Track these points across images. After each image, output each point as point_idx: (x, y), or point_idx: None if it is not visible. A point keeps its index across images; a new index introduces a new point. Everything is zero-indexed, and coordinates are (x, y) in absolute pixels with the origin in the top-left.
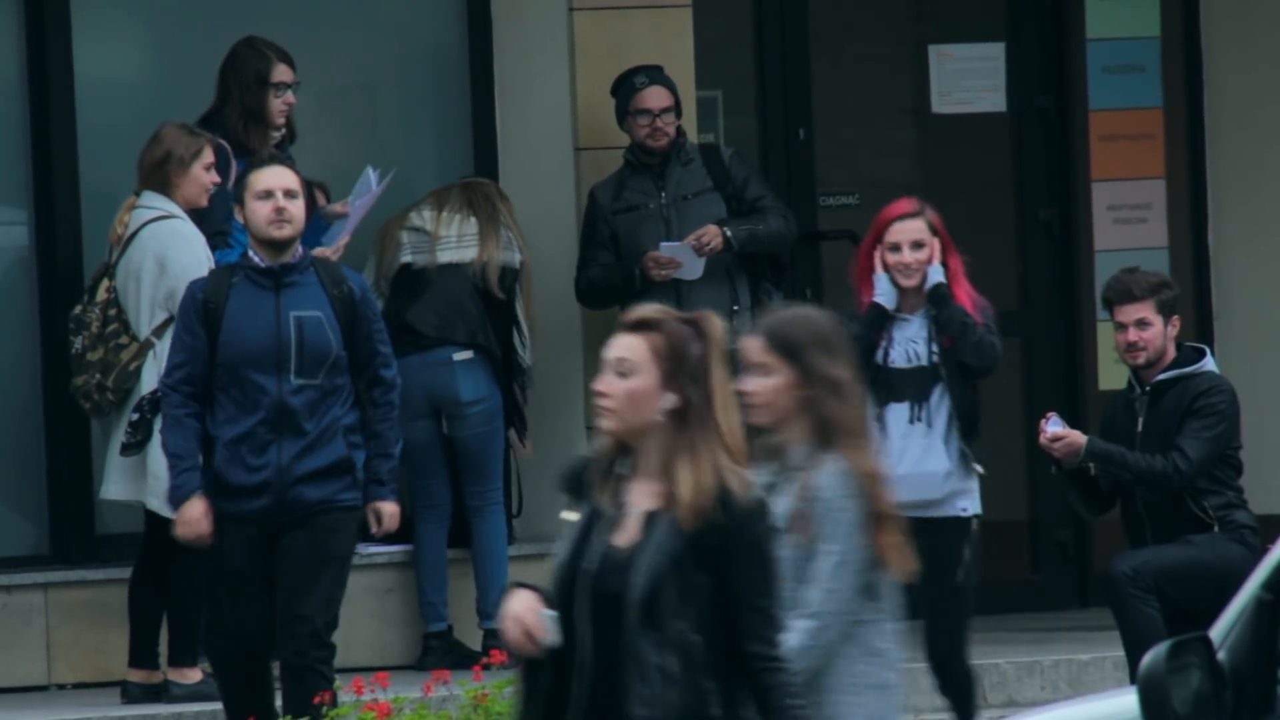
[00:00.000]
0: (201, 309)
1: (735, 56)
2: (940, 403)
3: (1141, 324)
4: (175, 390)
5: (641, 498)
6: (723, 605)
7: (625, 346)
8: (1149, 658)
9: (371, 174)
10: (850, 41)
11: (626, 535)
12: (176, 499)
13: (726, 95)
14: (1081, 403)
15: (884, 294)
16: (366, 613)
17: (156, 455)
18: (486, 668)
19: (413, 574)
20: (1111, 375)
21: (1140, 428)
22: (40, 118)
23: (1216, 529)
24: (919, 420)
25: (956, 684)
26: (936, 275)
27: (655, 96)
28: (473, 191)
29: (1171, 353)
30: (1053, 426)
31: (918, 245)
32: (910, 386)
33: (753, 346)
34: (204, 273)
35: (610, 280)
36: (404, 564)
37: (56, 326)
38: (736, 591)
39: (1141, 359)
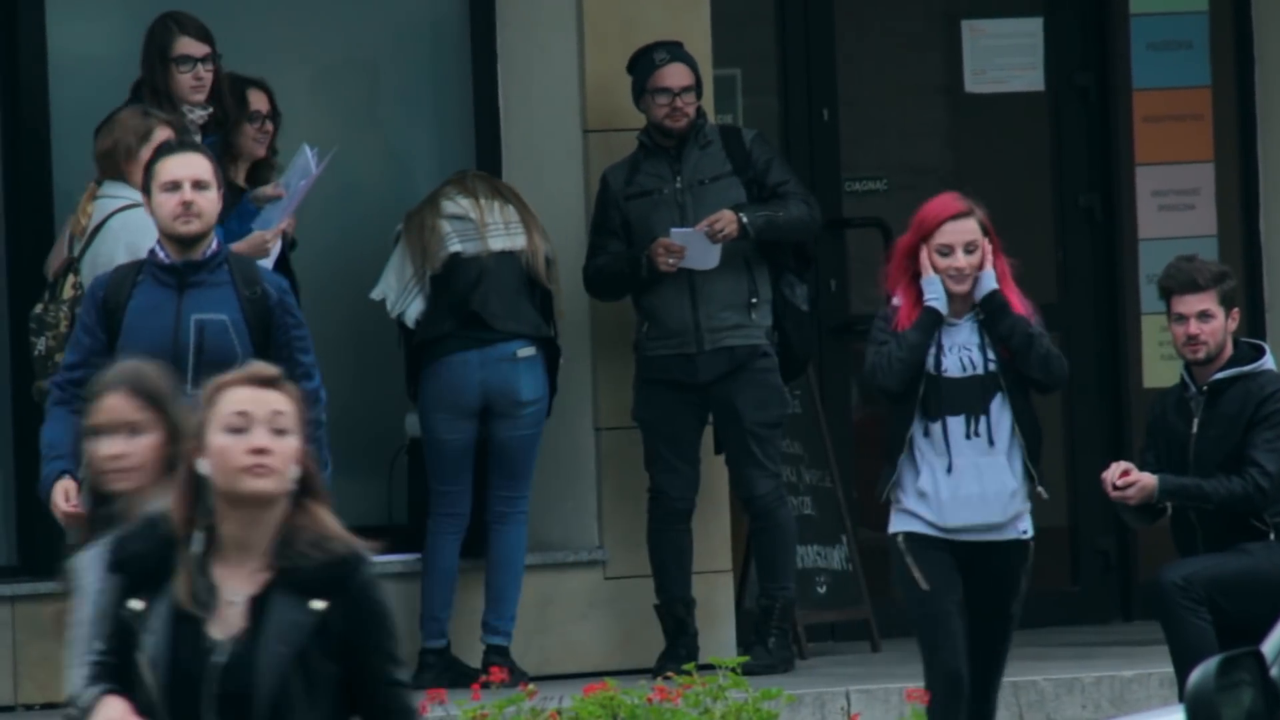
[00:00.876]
0: (101, 308)
1: (755, 31)
2: (1001, 414)
3: (1204, 316)
4: (62, 389)
5: (239, 580)
6: (355, 687)
7: (275, 401)
8: (1197, 674)
9: (310, 153)
10: (878, 16)
11: (229, 625)
12: (45, 487)
13: (746, 73)
14: (1125, 401)
15: (937, 297)
16: None
17: None
18: (486, 686)
19: (406, 586)
20: (1157, 372)
21: (1195, 429)
22: (10, 96)
23: (1273, 537)
24: (977, 435)
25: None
26: (990, 282)
27: (676, 74)
28: (490, 180)
29: (1230, 349)
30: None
31: (971, 248)
32: (967, 397)
33: (116, 404)
34: None
35: (618, 269)
36: (399, 574)
37: (22, 326)
38: (369, 673)
39: (1202, 354)
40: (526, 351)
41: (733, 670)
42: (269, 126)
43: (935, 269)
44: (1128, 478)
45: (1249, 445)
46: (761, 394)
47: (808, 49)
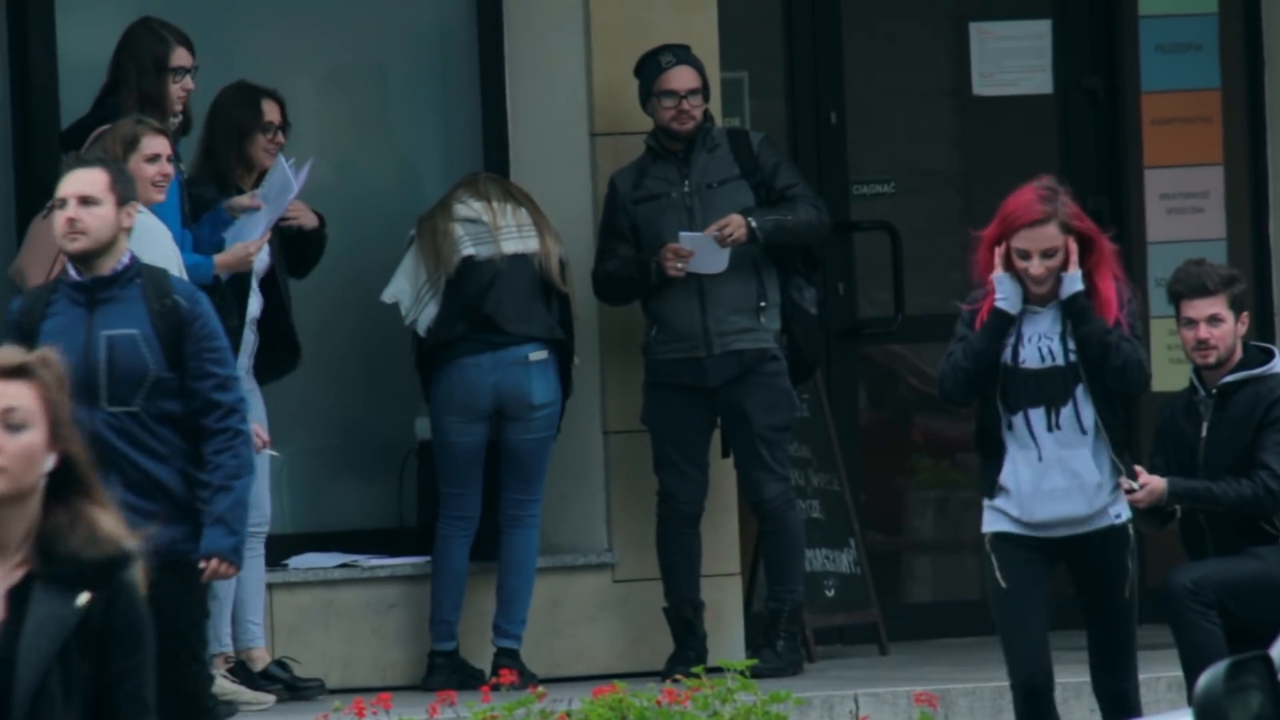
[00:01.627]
0: (16, 331)
1: (762, 34)
2: (1084, 406)
3: (1213, 320)
4: None
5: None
6: (100, 693)
7: (10, 395)
8: (1205, 678)
9: (286, 165)
10: (885, 18)
11: None
12: None
13: (753, 76)
14: (1133, 406)
15: (1006, 297)
16: (367, 629)
17: None
18: (496, 688)
19: (416, 588)
20: (1165, 375)
21: (1205, 433)
22: (20, 97)
23: None
24: (1058, 427)
25: (1125, 711)
26: (1074, 284)
27: (682, 77)
28: (502, 183)
29: (1239, 352)
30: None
31: (1049, 254)
32: (1047, 389)
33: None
34: (173, 268)
35: (627, 273)
36: (408, 578)
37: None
38: (110, 678)
39: (1212, 358)
40: (538, 355)
41: (741, 673)
42: (280, 138)
43: (1011, 266)
44: (1141, 481)
45: (1258, 448)
46: (770, 397)
47: (815, 52)
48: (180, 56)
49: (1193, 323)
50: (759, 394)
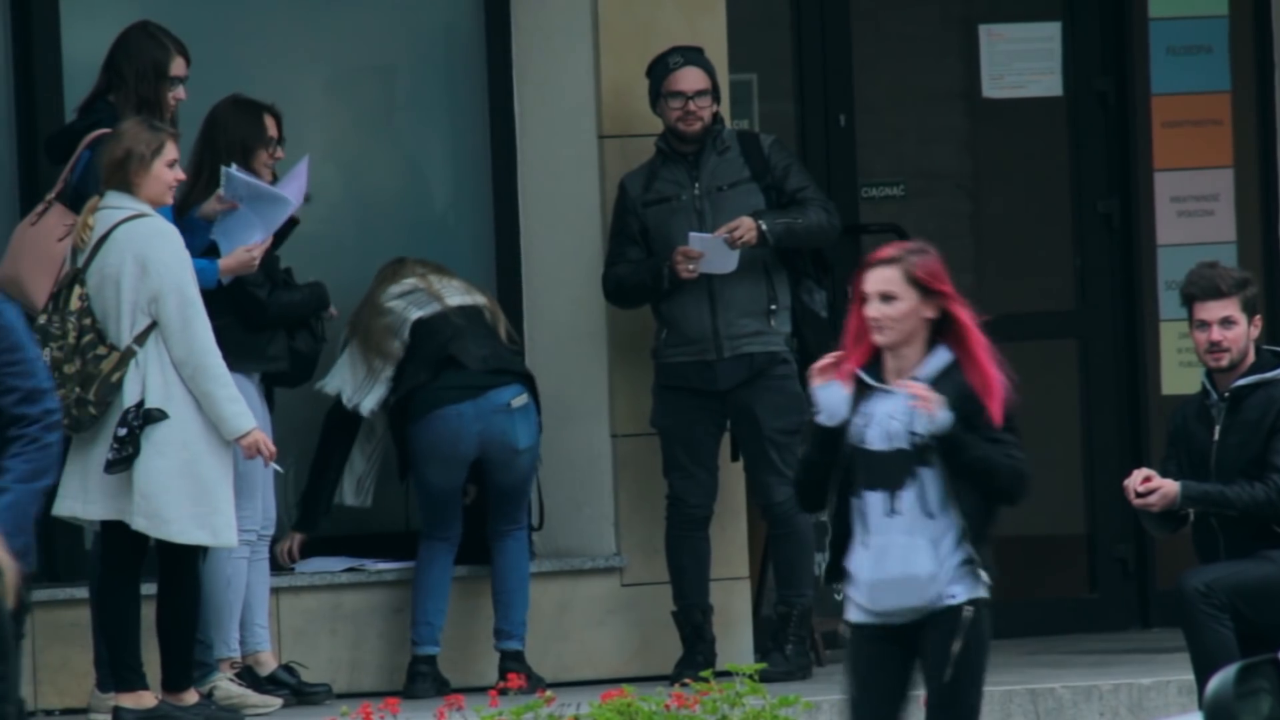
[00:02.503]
0: None
1: (771, 36)
2: (930, 489)
3: (1226, 323)
4: None
5: None
6: None
7: None
8: (1216, 681)
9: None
10: (895, 20)
11: None
12: None
13: (762, 78)
14: (1143, 408)
15: (824, 409)
16: (374, 633)
17: (144, 471)
18: (503, 692)
19: None
20: (1175, 379)
21: (1217, 436)
22: (26, 100)
23: None
24: (898, 512)
25: None
26: (942, 419)
27: (689, 78)
28: (432, 263)
29: (1252, 356)
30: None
31: (886, 298)
32: (888, 471)
33: None
34: (187, 272)
35: (638, 278)
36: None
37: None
38: None
39: (1225, 360)
40: (520, 400)
41: (750, 677)
42: (280, 152)
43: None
44: (1149, 484)
45: (1271, 452)
46: (780, 401)
47: (824, 54)
48: (178, 65)
49: (1205, 325)
50: (769, 397)
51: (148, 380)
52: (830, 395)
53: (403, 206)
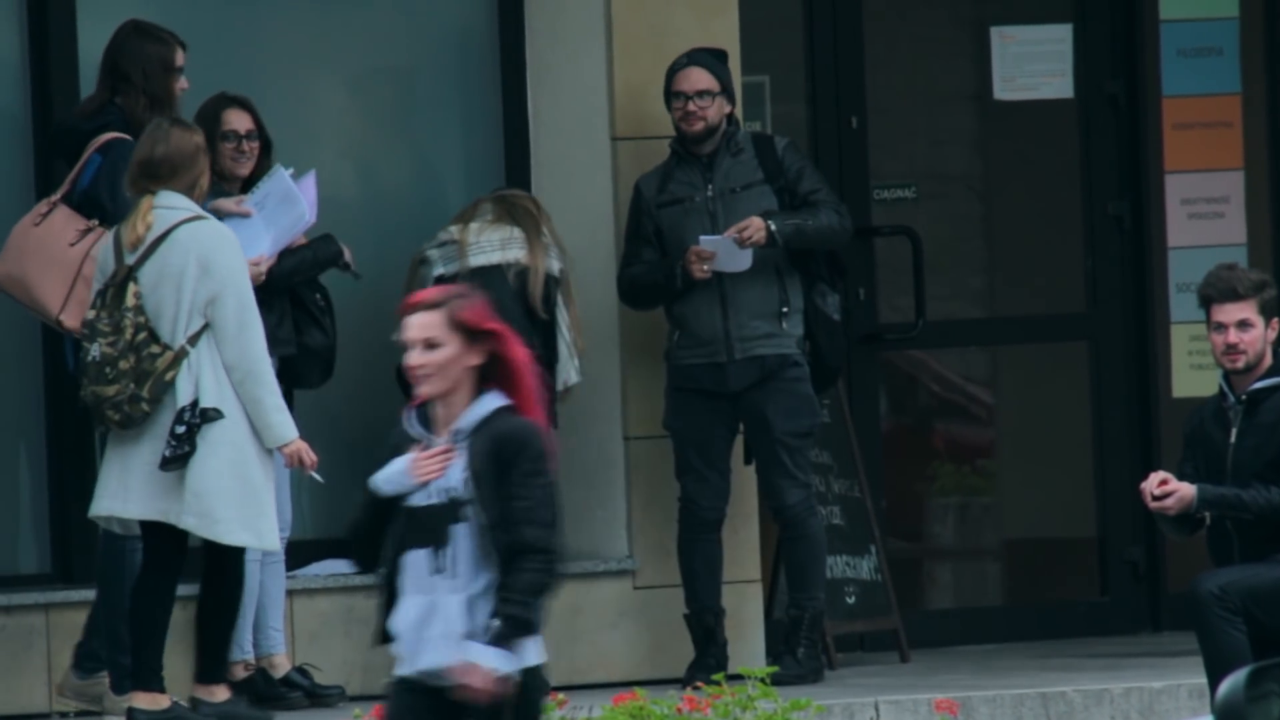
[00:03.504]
0: None
1: (783, 38)
2: (463, 547)
3: (1243, 325)
4: None
5: None
6: None
7: None
8: (1226, 684)
9: (285, 176)
10: (906, 22)
11: None
12: None
13: (774, 80)
14: (1154, 410)
15: (388, 478)
16: None
17: (197, 470)
18: None
19: None
20: (1186, 381)
21: (1234, 439)
22: (42, 101)
23: None
24: (439, 570)
25: None
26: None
27: (691, 78)
28: (509, 203)
29: (1269, 359)
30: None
31: (429, 345)
32: (429, 527)
33: None
34: (246, 277)
35: (652, 278)
36: None
37: (59, 336)
38: None
39: (1241, 362)
40: None
41: (762, 680)
42: (246, 146)
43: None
44: (1165, 487)
45: None
46: (792, 403)
47: (836, 56)
48: (180, 56)
49: (1222, 327)
50: (781, 400)
51: (201, 380)
52: (394, 465)
53: (417, 208)
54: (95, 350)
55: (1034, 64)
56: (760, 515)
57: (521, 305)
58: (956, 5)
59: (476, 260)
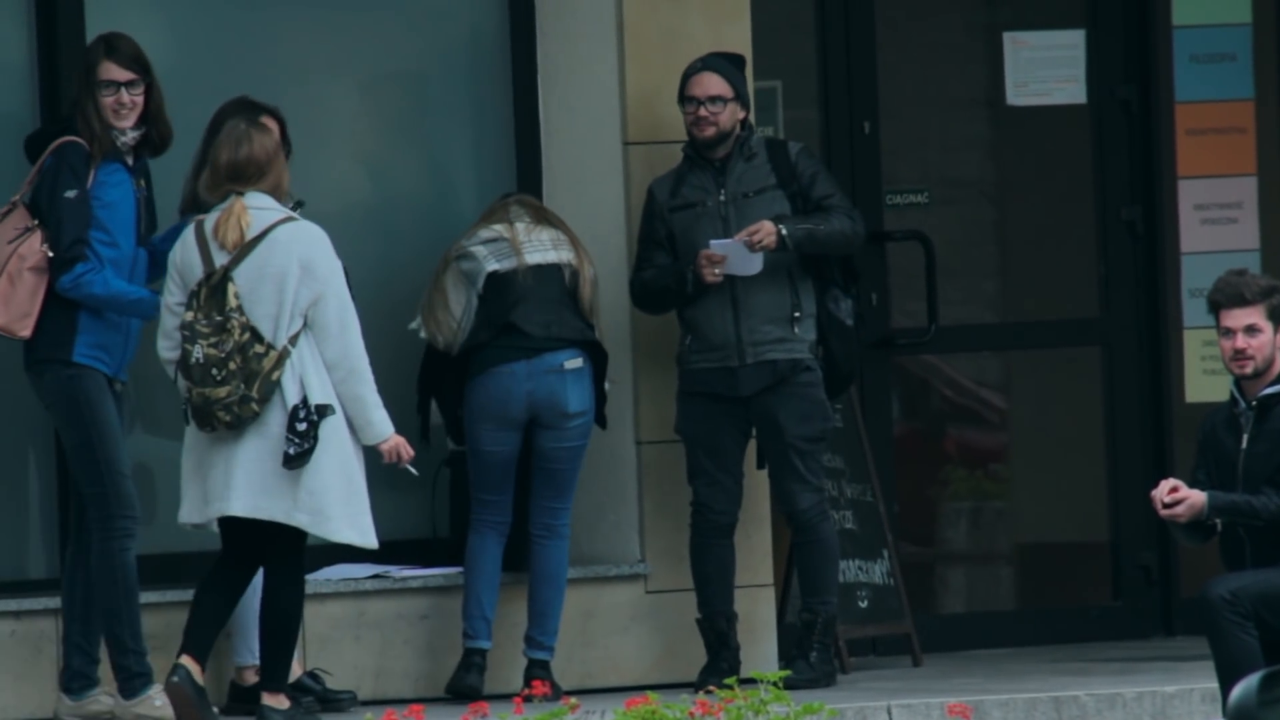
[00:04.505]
0: None
1: (796, 44)
2: None
3: (1251, 330)
4: None
5: None
6: None
7: None
8: (1239, 689)
9: None
10: (919, 27)
11: None
12: None
13: (786, 85)
14: (1166, 416)
15: None
16: (400, 640)
17: (313, 468)
18: (528, 699)
19: (448, 599)
20: (1199, 387)
21: (1245, 444)
22: (51, 107)
23: None
24: None
25: None
26: None
27: (704, 83)
28: (534, 206)
29: (1279, 364)
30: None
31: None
32: None
33: None
34: (343, 277)
35: (664, 282)
36: (440, 588)
37: None
38: None
39: (1249, 368)
40: (574, 363)
41: (774, 685)
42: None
43: None
44: (1176, 494)
45: None
46: (804, 408)
47: (849, 61)
48: (107, 70)
49: (1230, 332)
50: (793, 404)
51: (307, 379)
52: None
53: (428, 212)
54: (198, 352)
55: (1047, 69)
56: (773, 519)
57: (573, 304)
58: (969, 10)
59: (533, 258)
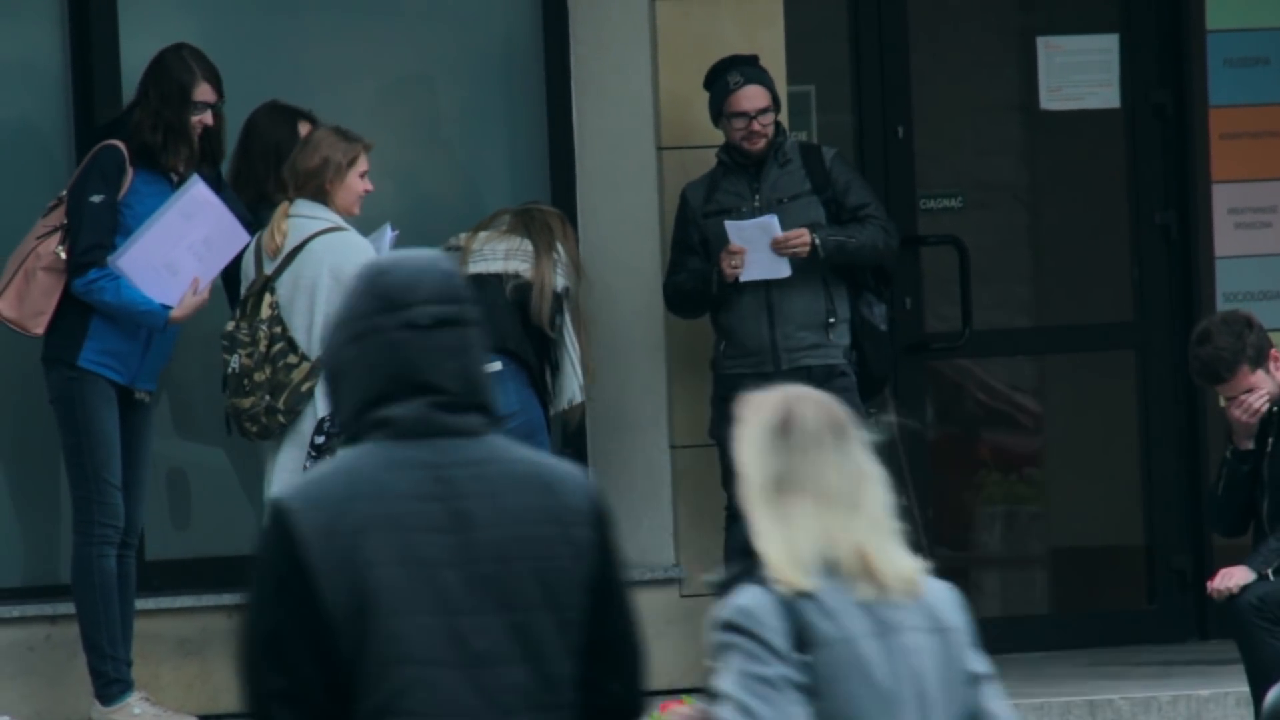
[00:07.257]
0: None
1: (829, 48)
2: None
3: (1247, 392)
4: None
5: None
6: None
7: None
8: (1272, 694)
9: (200, 189)
10: (952, 32)
11: None
12: None
13: (819, 90)
14: (1201, 421)
15: None
16: None
17: None
18: None
19: None
20: None
21: (1270, 449)
22: (84, 112)
23: None
24: None
25: None
26: None
27: (752, 97)
28: (529, 216)
29: None
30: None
31: None
32: None
33: None
34: None
35: (692, 286)
36: None
37: None
38: None
39: (1260, 415)
40: (492, 366)
41: None
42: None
43: None
44: (1218, 583)
45: None
46: None
47: (882, 65)
48: (203, 91)
49: (1230, 399)
50: None
51: None
52: None
53: (461, 218)
54: (235, 362)
55: (1080, 74)
56: None
57: (519, 317)
58: (1002, 15)
59: (475, 268)
